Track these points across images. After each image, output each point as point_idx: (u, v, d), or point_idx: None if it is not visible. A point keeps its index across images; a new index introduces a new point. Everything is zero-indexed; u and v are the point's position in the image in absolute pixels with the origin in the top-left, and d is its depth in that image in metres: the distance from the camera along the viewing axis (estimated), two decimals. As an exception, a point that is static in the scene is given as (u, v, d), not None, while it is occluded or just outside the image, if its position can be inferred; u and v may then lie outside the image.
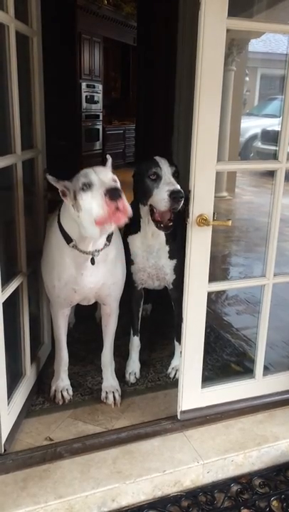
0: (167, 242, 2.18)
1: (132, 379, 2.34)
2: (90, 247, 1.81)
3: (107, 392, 2.18)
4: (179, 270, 2.16)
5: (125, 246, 2.16)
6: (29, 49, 2.08)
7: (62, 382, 2.20)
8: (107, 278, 1.97)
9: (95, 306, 2.74)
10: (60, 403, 2.14)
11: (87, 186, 1.63)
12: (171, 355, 2.47)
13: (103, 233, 1.75)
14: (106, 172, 1.70)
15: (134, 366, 2.39)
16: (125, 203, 1.60)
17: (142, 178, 2.01)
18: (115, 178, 1.69)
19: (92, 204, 1.61)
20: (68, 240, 1.82)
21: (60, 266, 1.91)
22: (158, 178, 1.95)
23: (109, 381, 2.22)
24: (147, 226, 2.13)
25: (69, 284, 1.93)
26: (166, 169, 1.96)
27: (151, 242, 2.17)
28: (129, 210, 1.60)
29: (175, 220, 2.02)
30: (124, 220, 1.61)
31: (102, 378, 2.28)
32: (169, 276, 2.25)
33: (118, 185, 1.65)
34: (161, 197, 1.92)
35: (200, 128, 1.74)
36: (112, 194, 1.58)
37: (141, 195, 2.06)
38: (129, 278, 2.23)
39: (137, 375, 2.38)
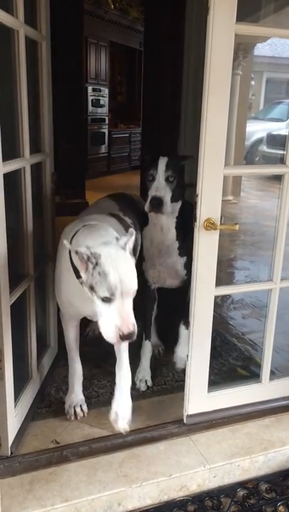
0: (177, 237, 2.21)
1: (142, 386, 2.30)
2: None
3: (117, 414, 1.93)
4: (190, 266, 2.18)
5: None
6: (38, 53, 2.09)
7: (77, 397, 2.11)
8: None
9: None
10: (73, 419, 2.06)
11: (108, 299, 1.53)
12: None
13: None
14: (131, 283, 1.55)
15: (144, 373, 2.34)
16: (134, 338, 1.56)
17: (144, 174, 2.18)
18: (135, 287, 1.57)
19: (105, 319, 1.55)
20: (78, 274, 1.64)
21: (68, 290, 1.85)
22: (152, 180, 2.07)
23: (123, 402, 1.95)
24: (155, 219, 2.19)
25: (76, 307, 1.88)
26: (160, 173, 2.07)
27: (162, 238, 2.21)
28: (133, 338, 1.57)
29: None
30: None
31: (107, 382, 2.28)
32: (181, 272, 2.27)
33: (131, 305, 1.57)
34: (147, 199, 2.07)
35: (208, 132, 1.75)
36: (126, 338, 1.55)
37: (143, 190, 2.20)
38: (142, 277, 2.24)
39: (149, 383, 2.33)
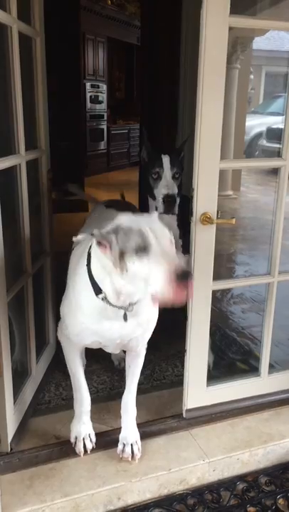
0: (180, 235, 2.19)
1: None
2: (123, 301, 1.54)
3: (124, 445, 1.85)
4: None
5: None
6: (32, 50, 2.08)
7: (85, 427, 1.88)
8: (138, 331, 1.70)
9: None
10: (82, 454, 1.84)
11: (143, 250, 1.34)
12: (177, 353, 2.47)
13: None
14: (163, 231, 1.40)
15: None
16: (192, 275, 1.33)
17: (146, 172, 2.14)
18: (172, 238, 1.42)
19: (149, 273, 1.34)
20: (97, 290, 1.54)
21: (84, 316, 1.63)
22: (158, 178, 2.08)
23: (128, 431, 1.87)
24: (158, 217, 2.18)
25: (93, 336, 1.69)
26: (167, 171, 2.07)
27: None
28: (192, 293, 1.34)
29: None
30: (184, 300, 1.34)
31: (107, 377, 2.28)
32: None
33: (177, 252, 1.39)
34: (157, 199, 2.07)
35: (203, 126, 1.75)
36: (183, 277, 1.29)
37: (145, 187, 2.18)
38: None
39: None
